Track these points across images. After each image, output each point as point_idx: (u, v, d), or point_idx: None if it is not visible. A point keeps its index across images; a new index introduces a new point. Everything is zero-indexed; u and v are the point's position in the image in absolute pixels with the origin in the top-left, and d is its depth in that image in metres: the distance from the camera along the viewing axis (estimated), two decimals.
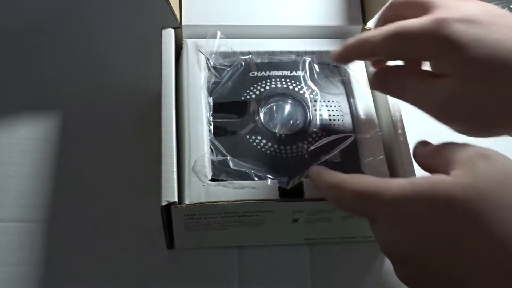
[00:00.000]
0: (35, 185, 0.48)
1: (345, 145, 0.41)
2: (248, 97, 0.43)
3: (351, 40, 0.38)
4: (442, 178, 0.30)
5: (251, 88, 0.44)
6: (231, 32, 0.46)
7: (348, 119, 0.43)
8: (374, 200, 0.31)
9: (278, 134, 0.42)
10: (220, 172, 0.39)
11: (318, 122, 0.42)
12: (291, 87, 0.44)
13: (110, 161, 0.49)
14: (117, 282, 0.44)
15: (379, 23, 0.40)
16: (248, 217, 0.39)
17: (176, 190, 0.37)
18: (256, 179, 0.39)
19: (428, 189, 0.30)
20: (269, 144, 0.41)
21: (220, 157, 0.40)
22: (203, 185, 0.38)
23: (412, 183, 0.30)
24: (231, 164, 0.39)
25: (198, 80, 0.43)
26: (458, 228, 0.29)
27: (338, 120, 0.43)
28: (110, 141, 0.50)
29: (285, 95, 0.44)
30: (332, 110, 0.43)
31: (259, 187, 0.38)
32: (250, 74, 0.45)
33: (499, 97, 0.32)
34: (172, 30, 0.45)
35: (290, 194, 0.38)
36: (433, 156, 0.34)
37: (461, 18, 0.33)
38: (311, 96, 0.44)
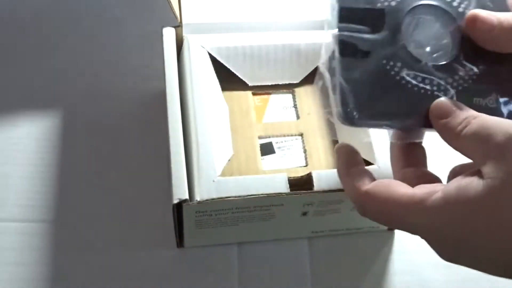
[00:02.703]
0: (36, 185, 0.48)
1: (505, 84, 0.33)
2: (386, 3, 0.34)
3: None
4: (474, 185, 0.28)
5: None
6: (231, 29, 0.46)
7: None
8: (409, 220, 0.30)
9: (424, 63, 0.33)
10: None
11: (473, 49, 0.33)
12: None
13: (112, 161, 0.49)
14: (122, 282, 0.44)
15: None
16: (258, 211, 0.40)
17: (186, 187, 0.37)
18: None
19: (464, 204, 0.28)
20: (411, 76, 0.32)
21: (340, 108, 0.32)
22: (213, 181, 0.38)
23: (447, 200, 0.29)
24: (355, 121, 0.31)
25: (201, 76, 0.43)
26: (490, 237, 0.28)
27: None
28: (111, 141, 0.50)
29: (435, 7, 0.34)
30: None
31: (268, 181, 0.38)
32: None
33: None
34: (173, 29, 0.45)
35: (299, 186, 0.39)
36: (458, 139, 0.30)
37: None
38: (466, 11, 0.34)
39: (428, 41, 0.34)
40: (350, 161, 0.33)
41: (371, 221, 0.44)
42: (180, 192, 0.37)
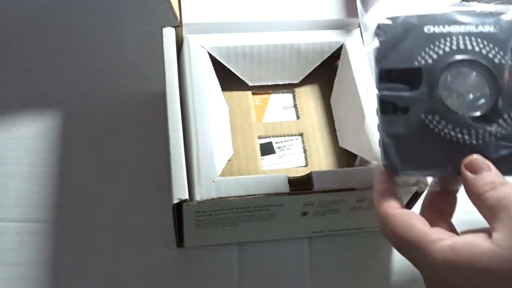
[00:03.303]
0: (35, 185, 0.48)
1: None
2: (423, 62, 0.35)
3: None
4: (481, 246, 0.30)
5: (427, 49, 0.35)
6: (231, 29, 0.46)
7: None
8: (415, 254, 0.32)
9: (461, 115, 0.34)
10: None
11: (509, 98, 0.35)
12: (477, 48, 0.35)
13: (112, 161, 0.49)
14: (122, 282, 0.44)
15: None
16: (258, 211, 0.40)
17: (186, 187, 0.37)
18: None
19: (467, 260, 0.30)
20: (449, 127, 0.34)
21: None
22: (213, 181, 0.38)
23: (453, 250, 0.31)
24: (398, 171, 0.34)
25: (201, 76, 0.43)
26: None
27: None
28: (111, 140, 0.50)
29: (471, 61, 0.35)
30: None
31: (268, 181, 0.38)
32: (425, 29, 0.36)
33: None
34: (173, 29, 0.45)
35: (299, 186, 0.39)
36: (480, 199, 0.32)
37: None
38: (502, 61, 0.35)
39: (466, 93, 0.35)
40: (386, 183, 0.35)
41: (371, 221, 0.44)
42: (180, 192, 0.37)
